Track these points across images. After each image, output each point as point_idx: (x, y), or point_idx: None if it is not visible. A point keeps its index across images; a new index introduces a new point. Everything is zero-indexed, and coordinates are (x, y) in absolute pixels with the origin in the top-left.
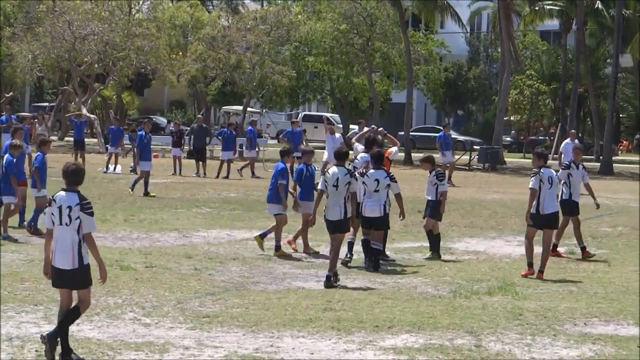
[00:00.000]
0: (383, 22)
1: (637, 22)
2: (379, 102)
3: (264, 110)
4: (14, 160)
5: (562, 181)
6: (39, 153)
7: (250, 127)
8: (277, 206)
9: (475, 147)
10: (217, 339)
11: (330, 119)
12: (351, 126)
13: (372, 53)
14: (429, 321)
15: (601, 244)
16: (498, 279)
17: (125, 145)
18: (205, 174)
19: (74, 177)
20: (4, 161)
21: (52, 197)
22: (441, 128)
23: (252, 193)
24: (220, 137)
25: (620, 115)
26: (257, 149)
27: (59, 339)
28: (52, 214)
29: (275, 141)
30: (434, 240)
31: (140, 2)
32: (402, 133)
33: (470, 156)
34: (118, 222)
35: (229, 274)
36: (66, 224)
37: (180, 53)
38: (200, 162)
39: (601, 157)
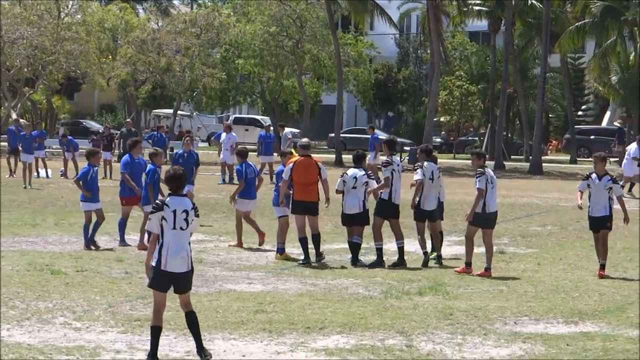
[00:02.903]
0: (313, 24)
1: (566, 21)
2: (309, 104)
3: (195, 113)
4: (157, 168)
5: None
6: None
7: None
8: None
9: (405, 148)
10: (148, 342)
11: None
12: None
13: (302, 55)
14: (360, 322)
15: (531, 243)
16: (429, 279)
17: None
18: None
19: (177, 182)
20: (147, 170)
21: (164, 202)
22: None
23: None
24: (150, 141)
25: (550, 115)
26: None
27: (203, 346)
28: (164, 218)
29: (207, 144)
30: (440, 239)
31: (70, 6)
32: (333, 135)
33: (401, 157)
34: (48, 226)
35: None
36: (181, 228)
37: (110, 56)
38: None
39: (531, 157)
